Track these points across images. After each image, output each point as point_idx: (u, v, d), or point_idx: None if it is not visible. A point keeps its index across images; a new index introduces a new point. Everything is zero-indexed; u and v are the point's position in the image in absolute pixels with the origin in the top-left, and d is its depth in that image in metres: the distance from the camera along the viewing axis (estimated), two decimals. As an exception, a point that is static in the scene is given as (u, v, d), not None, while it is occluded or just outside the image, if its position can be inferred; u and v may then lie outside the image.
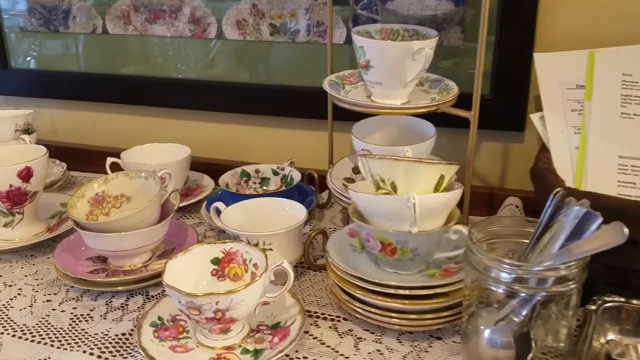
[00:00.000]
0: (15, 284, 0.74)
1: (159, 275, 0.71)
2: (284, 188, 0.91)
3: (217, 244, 0.65)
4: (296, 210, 0.74)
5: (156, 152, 0.98)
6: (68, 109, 1.20)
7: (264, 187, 0.93)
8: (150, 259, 0.76)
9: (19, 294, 0.72)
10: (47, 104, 1.19)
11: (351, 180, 0.82)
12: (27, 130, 0.99)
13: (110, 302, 0.70)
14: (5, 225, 0.83)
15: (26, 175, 0.81)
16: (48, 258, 0.80)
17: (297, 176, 0.89)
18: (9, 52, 1.21)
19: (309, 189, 0.91)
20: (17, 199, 0.81)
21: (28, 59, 1.19)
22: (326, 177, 0.82)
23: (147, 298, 0.71)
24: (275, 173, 0.93)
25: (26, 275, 0.76)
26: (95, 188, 0.78)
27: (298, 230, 0.71)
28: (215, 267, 0.65)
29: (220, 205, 0.76)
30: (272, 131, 1.06)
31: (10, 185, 0.80)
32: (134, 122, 1.17)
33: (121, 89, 1.13)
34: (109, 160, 0.95)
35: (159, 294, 0.71)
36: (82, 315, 0.68)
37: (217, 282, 0.65)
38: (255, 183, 0.93)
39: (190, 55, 1.06)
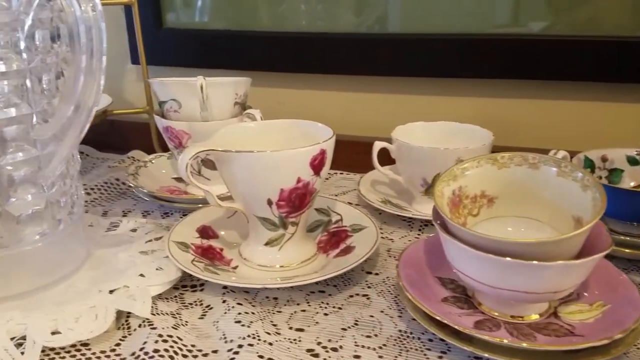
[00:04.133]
0: (342, 345, 0.44)
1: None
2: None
3: None
4: None
5: (430, 135, 0.68)
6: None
7: (616, 184, 0.63)
8: (547, 309, 0.46)
9: (363, 366, 0.42)
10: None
11: None
12: (244, 105, 0.69)
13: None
14: (270, 243, 0.53)
15: (319, 163, 0.50)
16: (352, 297, 0.50)
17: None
18: (165, 3, 0.91)
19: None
20: (299, 201, 0.51)
21: (191, 13, 0.90)
22: None
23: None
24: (634, 162, 0.63)
25: (345, 329, 0.46)
26: (454, 182, 0.47)
27: None
28: None
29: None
30: (554, 105, 0.76)
31: (299, 180, 0.50)
32: (335, 99, 0.87)
33: (319, 53, 0.83)
34: (378, 145, 0.65)
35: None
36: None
37: None
38: (600, 177, 0.63)
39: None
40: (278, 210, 0.51)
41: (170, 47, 0.92)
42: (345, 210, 0.61)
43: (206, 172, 0.68)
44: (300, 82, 0.88)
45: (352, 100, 0.86)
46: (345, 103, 0.87)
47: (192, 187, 0.70)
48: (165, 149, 0.81)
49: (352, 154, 0.79)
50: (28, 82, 0.41)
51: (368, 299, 0.50)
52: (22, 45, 0.40)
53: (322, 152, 0.50)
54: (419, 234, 0.61)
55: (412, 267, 0.49)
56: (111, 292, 0.46)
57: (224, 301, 0.48)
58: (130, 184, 0.67)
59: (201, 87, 0.61)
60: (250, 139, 0.55)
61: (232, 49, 0.88)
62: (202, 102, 0.62)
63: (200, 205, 0.65)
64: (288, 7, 0.85)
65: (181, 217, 0.65)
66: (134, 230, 0.58)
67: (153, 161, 0.75)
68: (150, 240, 0.56)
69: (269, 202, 0.50)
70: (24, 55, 0.41)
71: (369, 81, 0.84)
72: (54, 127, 0.41)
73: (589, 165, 0.62)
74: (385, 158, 0.67)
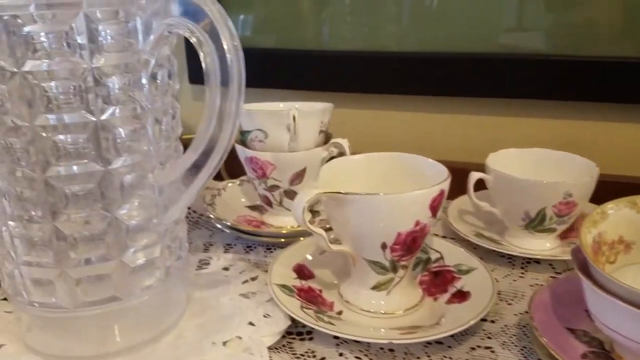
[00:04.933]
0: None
1: None
2: None
3: None
4: None
5: (526, 163, 0.64)
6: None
7: None
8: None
9: None
10: (266, 97, 0.82)
11: None
12: (327, 133, 0.66)
13: None
14: (377, 287, 0.50)
15: (438, 205, 0.47)
16: (474, 349, 0.47)
17: None
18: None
19: None
20: (412, 244, 0.48)
21: (246, 31, 0.87)
22: None
23: None
24: None
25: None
26: (594, 229, 0.44)
27: None
28: None
29: None
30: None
31: (417, 223, 0.47)
32: (404, 119, 0.84)
33: (388, 70, 0.80)
34: (474, 176, 0.62)
35: None
36: None
37: None
38: None
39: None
40: (391, 254, 0.48)
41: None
42: (443, 247, 0.58)
43: (287, 203, 0.65)
44: (365, 101, 0.85)
45: (415, 120, 0.83)
46: (410, 123, 0.84)
47: (270, 217, 0.67)
48: (232, 175, 0.78)
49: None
50: (149, 125, 0.38)
51: (492, 352, 0.46)
52: (145, 85, 0.38)
53: (441, 193, 0.47)
54: (522, 273, 0.58)
55: (543, 318, 0.45)
56: (224, 343, 0.43)
57: (340, 354, 0.45)
58: (211, 215, 0.64)
59: (293, 118, 0.58)
60: (355, 174, 0.52)
61: (295, 69, 0.85)
62: (293, 133, 0.59)
63: (282, 240, 0.63)
64: (354, 27, 0.82)
65: (265, 252, 0.62)
66: (226, 269, 0.55)
67: (226, 189, 0.72)
68: (246, 281, 0.53)
69: (383, 246, 0.47)
70: (146, 97, 0.38)
71: (432, 101, 0.81)
72: (176, 172, 0.39)
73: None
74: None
